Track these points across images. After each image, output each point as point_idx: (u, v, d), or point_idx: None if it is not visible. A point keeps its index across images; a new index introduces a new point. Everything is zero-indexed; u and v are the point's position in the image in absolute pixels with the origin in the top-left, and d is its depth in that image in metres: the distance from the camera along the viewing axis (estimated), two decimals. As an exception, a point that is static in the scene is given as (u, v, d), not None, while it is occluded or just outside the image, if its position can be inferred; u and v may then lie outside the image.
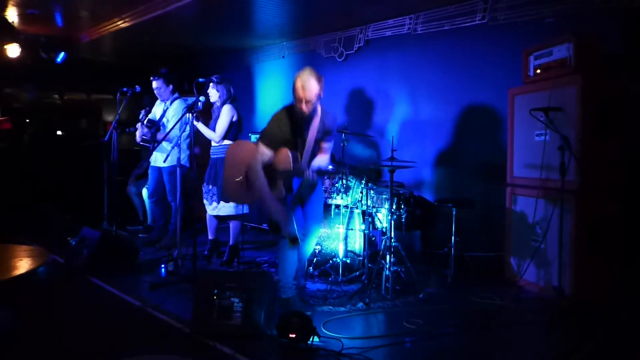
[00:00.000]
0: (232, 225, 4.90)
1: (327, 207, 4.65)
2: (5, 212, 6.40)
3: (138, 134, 5.43)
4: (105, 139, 5.32)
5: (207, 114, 4.96)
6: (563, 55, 3.90)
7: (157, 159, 5.40)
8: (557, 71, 3.96)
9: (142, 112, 5.50)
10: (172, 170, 5.27)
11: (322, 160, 3.60)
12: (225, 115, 4.73)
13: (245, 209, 4.85)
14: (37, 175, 7.16)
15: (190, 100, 4.42)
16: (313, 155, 3.57)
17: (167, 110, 5.40)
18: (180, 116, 4.76)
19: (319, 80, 3.40)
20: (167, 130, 5.13)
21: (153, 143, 5.34)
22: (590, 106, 3.73)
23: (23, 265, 1.75)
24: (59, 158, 7.50)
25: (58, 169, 7.31)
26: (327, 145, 3.63)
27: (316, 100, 3.41)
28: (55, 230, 6.14)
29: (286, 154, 3.43)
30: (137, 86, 5.24)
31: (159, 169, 5.48)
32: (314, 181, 3.60)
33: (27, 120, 8.53)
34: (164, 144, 5.10)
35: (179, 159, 4.89)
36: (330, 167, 3.68)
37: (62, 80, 8.22)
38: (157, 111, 5.55)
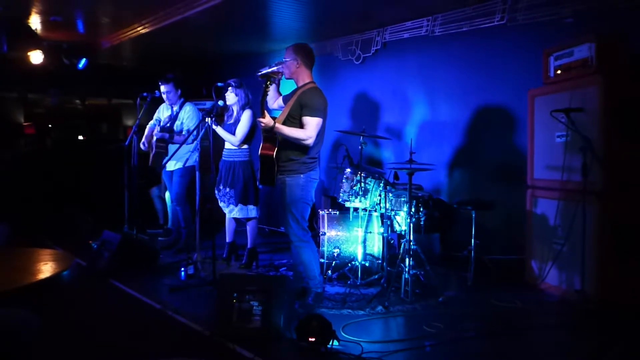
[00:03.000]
0: (250, 228, 4.92)
1: (346, 210, 4.66)
2: (30, 215, 6.52)
3: (145, 142, 5.40)
4: (126, 143, 5.38)
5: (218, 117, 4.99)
6: (584, 55, 3.84)
7: (170, 164, 5.41)
8: (578, 71, 3.91)
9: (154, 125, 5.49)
10: (183, 172, 5.32)
11: (293, 129, 3.64)
12: (246, 120, 4.76)
13: (254, 213, 4.87)
14: (60, 178, 7.29)
15: (201, 104, 4.47)
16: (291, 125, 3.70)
17: (179, 114, 5.38)
18: (198, 120, 4.80)
19: (295, 48, 3.80)
20: (186, 133, 5.15)
21: (164, 149, 5.34)
22: (613, 106, 3.66)
23: (47, 269, 1.78)
24: (81, 162, 7.62)
25: (80, 173, 7.43)
26: (305, 121, 3.64)
27: (291, 65, 3.77)
28: (78, 233, 6.24)
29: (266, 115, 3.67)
30: (156, 91, 5.30)
31: (171, 172, 5.50)
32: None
33: (50, 125, 8.70)
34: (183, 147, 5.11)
35: (187, 160, 4.94)
36: (307, 143, 3.63)
37: (83, 86, 8.36)
38: (162, 116, 5.57)
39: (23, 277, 1.59)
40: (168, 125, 5.30)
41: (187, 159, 5.22)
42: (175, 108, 5.44)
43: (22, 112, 8.60)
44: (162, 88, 5.37)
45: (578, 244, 3.72)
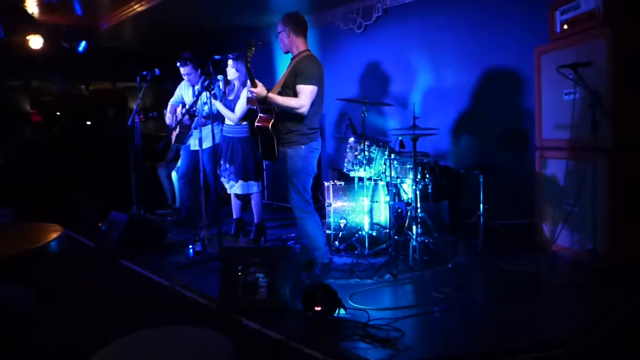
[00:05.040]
0: (254, 203, 4.87)
1: (351, 180, 4.60)
2: (39, 201, 6.55)
3: (173, 121, 5.36)
4: (129, 124, 5.34)
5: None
6: (591, 7, 3.69)
7: (196, 142, 5.30)
8: (585, 24, 3.76)
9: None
10: (212, 150, 5.18)
11: (286, 98, 3.58)
12: (246, 97, 4.67)
13: (256, 188, 4.80)
14: (70, 164, 7.30)
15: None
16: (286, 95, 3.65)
17: (202, 93, 5.28)
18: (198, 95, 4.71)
19: (284, 19, 3.74)
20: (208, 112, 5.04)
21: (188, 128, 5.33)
22: (622, 58, 3.52)
23: (34, 240, 1.76)
24: (90, 147, 7.62)
25: (89, 158, 7.43)
26: (299, 89, 3.56)
27: (284, 37, 3.71)
28: (88, 217, 6.26)
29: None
30: (156, 69, 5.20)
31: (195, 151, 5.42)
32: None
33: (58, 113, 8.69)
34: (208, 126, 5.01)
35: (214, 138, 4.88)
36: (301, 112, 3.54)
37: (87, 70, 8.30)
38: (185, 96, 5.50)
39: (11, 248, 1.57)
40: (194, 109, 5.21)
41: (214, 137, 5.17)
42: (197, 87, 5.34)
43: (28, 100, 8.58)
44: (182, 70, 5.28)
45: (588, 203, 3.63)
